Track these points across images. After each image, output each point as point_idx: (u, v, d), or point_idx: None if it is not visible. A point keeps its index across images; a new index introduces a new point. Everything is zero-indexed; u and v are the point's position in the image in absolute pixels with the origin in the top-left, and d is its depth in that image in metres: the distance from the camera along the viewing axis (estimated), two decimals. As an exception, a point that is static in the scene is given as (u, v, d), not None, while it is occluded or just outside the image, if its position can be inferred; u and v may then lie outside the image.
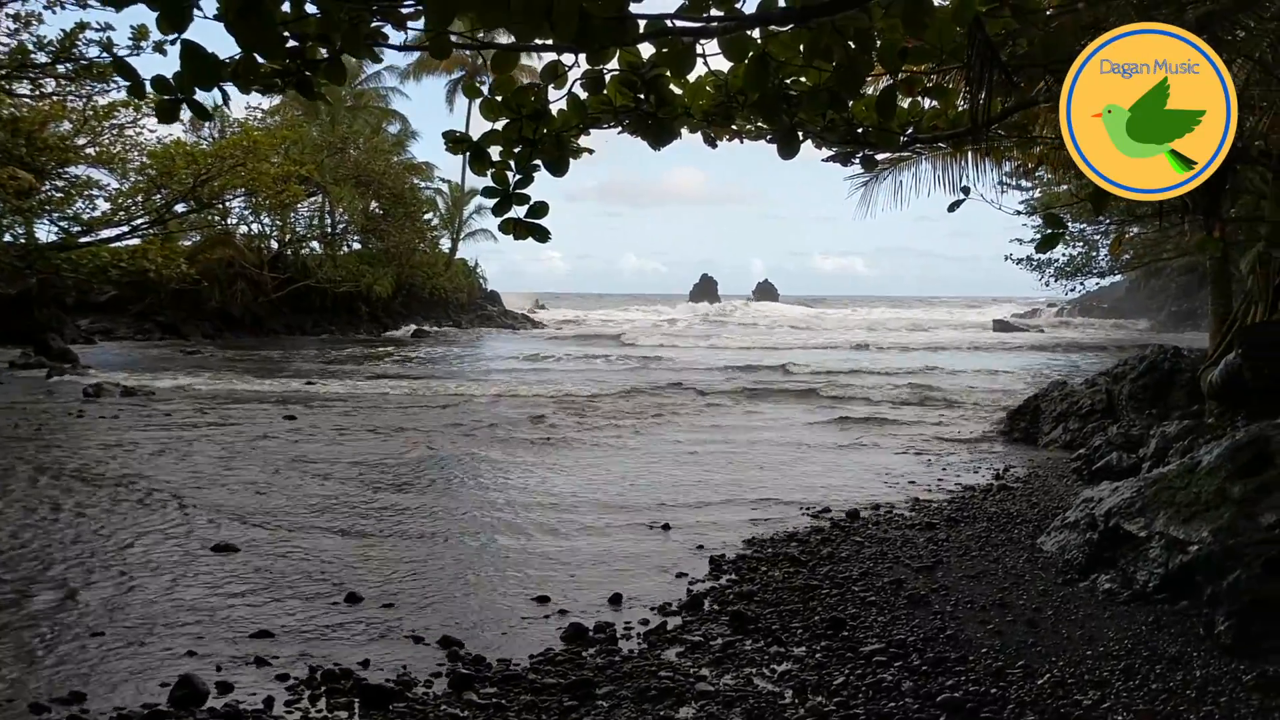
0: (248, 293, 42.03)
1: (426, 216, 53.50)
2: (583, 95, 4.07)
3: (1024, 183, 26.59)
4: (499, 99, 4.06)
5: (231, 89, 3.43)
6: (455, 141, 4.52)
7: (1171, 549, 6.62)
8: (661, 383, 23.05)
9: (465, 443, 14.27)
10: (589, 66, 3.78)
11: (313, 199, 46.48)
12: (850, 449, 14.07)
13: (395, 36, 3.62)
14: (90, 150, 30.14)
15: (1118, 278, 44.23)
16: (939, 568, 7.60)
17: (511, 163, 4.17)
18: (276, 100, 48.86)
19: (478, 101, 4.17)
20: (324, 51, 3.44)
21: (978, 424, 16.30)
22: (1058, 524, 8.25)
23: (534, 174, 4.24)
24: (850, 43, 3.76)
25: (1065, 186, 19.38)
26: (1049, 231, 5.56)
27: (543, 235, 4.32)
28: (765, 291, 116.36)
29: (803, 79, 4.08)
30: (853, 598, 6.86)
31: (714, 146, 5.05)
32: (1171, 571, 6.43)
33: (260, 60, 3.30)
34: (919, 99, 5.47)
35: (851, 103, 4.74)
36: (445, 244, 57.84)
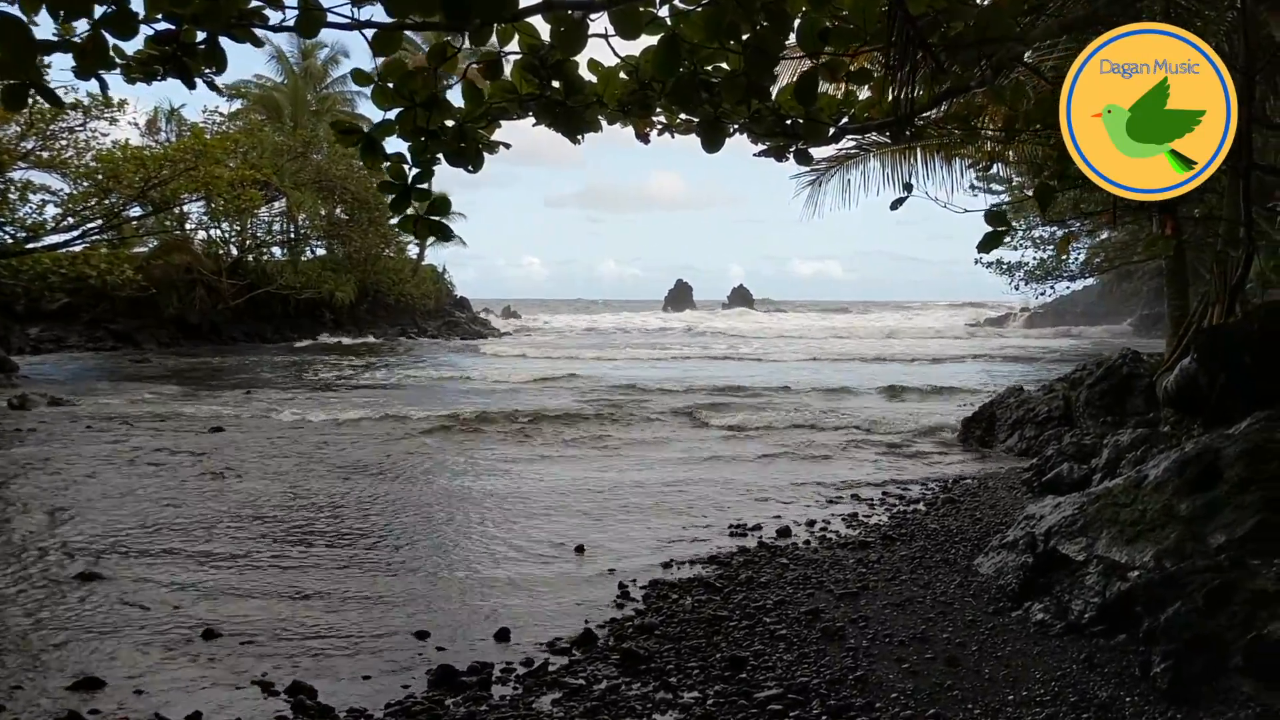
0: (206, 300, 41.09)
1: (392, 221, 52.64)
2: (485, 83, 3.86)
3: (994, 186, 26.19)
4: (390, 86, 3.64)
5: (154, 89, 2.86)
6: (344, 133, 4.09)
7: (1110, 575, 6.01)
8: (593, 395, 22.00)
9: (369, 454, 13.56)
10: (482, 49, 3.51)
11: (274, 204, 45.57)
12: (787, 459, 13.43)
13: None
14: (43, 154, 29.41)
15: (1090, 281, 43.90)
16: (863, 594, 6.96)
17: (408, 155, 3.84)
18: (238, 104, 48.63)
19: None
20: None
21: (931, 434, 15.67)
22: (996, 543, 7.65)
23: (433, 168, 3.89)
24: (764, 22, 3.42)
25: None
26: (991, 230, 4.97)
27: (445, 233, 4.06)
28: (740, 297, 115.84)
29: (723, 64, 3.74)
30: (763, 631, 6.21)
31: (645, 141, 4.63)
32: (1109, 601, 5.82)
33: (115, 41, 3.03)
34: (853, 88, 5.00)
35: (776, 91, 4.33)
36: (413, 250, 57.16)
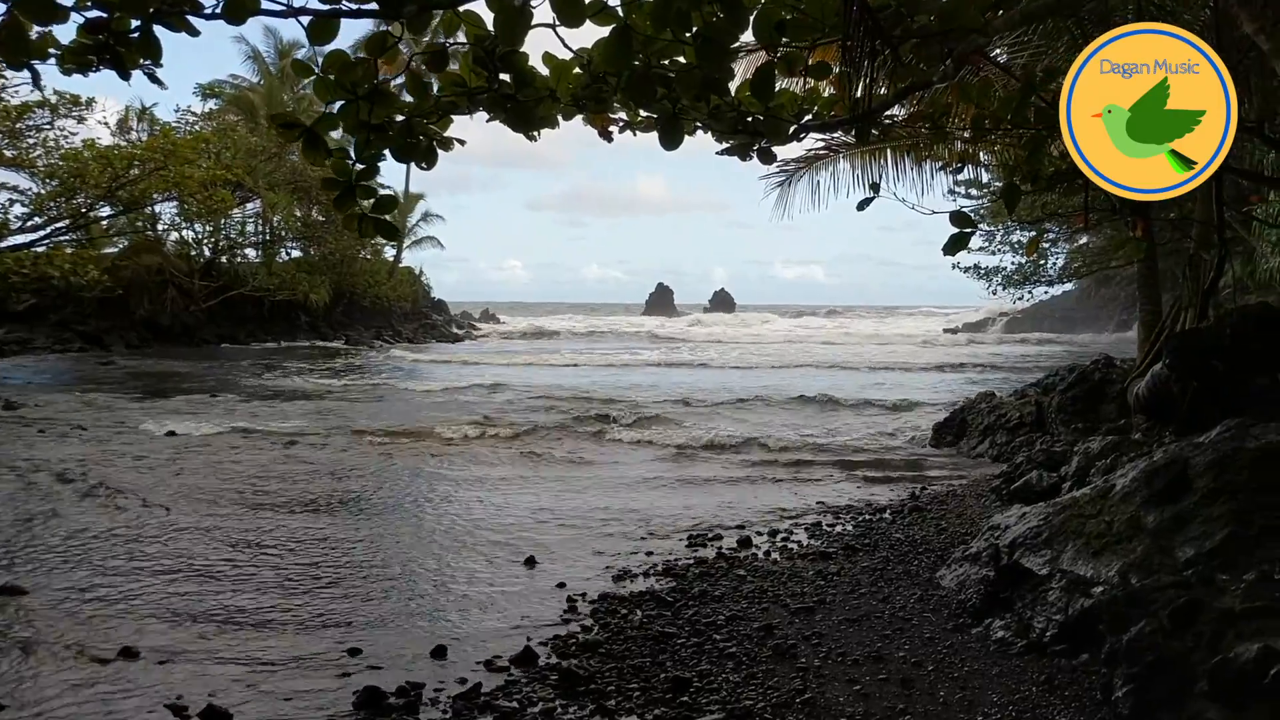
0: (178, 301, 40.56)
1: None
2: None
3: (973, 191, 26.05)
4: (332, 78, 3.43)
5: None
6: (284, 126, 3.81)
7: (1073, 591, 5.76)
8: (561, 403, 21.15)
9: (311, 467, 13.21)
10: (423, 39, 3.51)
11: (248, 205, 45.11)
12: (754, 465, 13.13)
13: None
14: (7, 152, 28.92)
15: (1069, 286, 43.92)
16: (820, 609, 6.68)
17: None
18: (213, 104, 48.12)
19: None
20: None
21: (901, 440, 15.41)
22: (960, 555, 7.39)
23: (379, 164, 3.71)
24: (719, 12, 3.28)
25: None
26: (957, 231, 4.70)
27: (390, 232, 3.84)
28: (722, 301, 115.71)
29: (680, 58, 3.52)
30: (711, 649, 5.92)
31: (608, 139, 4.42)
32: (1071, 619, 5.56)
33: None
34: (817, 84, 4.75)
35: (736, 86, 4.08)
36: (390, 252, 56.82)
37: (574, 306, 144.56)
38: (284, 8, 3.27)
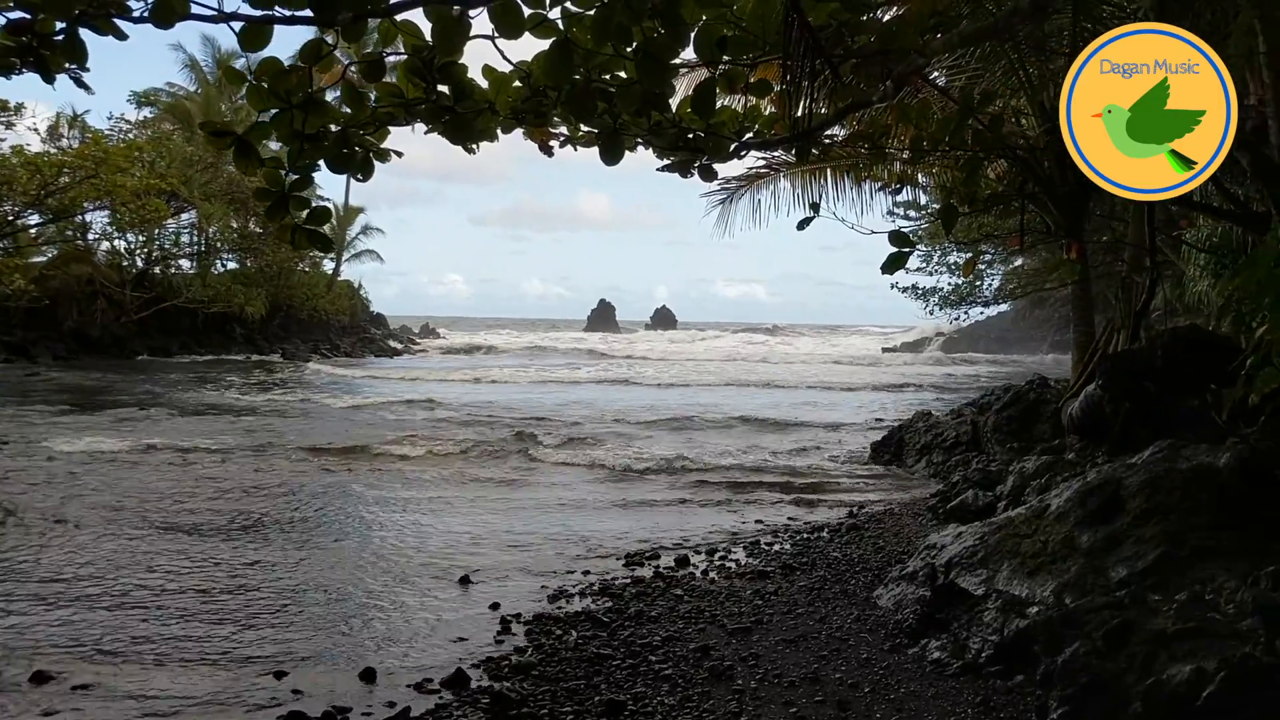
0: (108, 312, 39.63)
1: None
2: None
3: (911, 213, 26.36)
4: (265, 85, 3.34)
5: None
6: (215, 134, 3.68)
7: (1009, 612, 5.76)
8: (498, 420, 20.67)
9: (234, 484, 12.93)
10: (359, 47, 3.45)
11: (182, 215, 44.31)
12: (694, 484, 13.05)
13: None
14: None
15: (1004, 307, 44.61)
16: (757, 629, 6.61)
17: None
18: (147, 112, 47.25)
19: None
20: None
21: (839, 459, 15.45)
22: (896, 574, 7.38)
23: (312, 175, 3.62)
24: (659, 27, 3.21)
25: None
26: (895, 251, 4.68)
27: (324, 244, 3.75)
28: (663, 318, 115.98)
29: (621, 73, 3.52)
30: (647, 670, 5.82)
31: (548, 154, 4.36)
32: (1007, 639, 5.55)
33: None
34: (757, 102, 4.72)
35: (677, 102, 4.03)
36: (329, 265, 56.13)
37: (515, 322, 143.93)
38: (214, 12, 3.17)
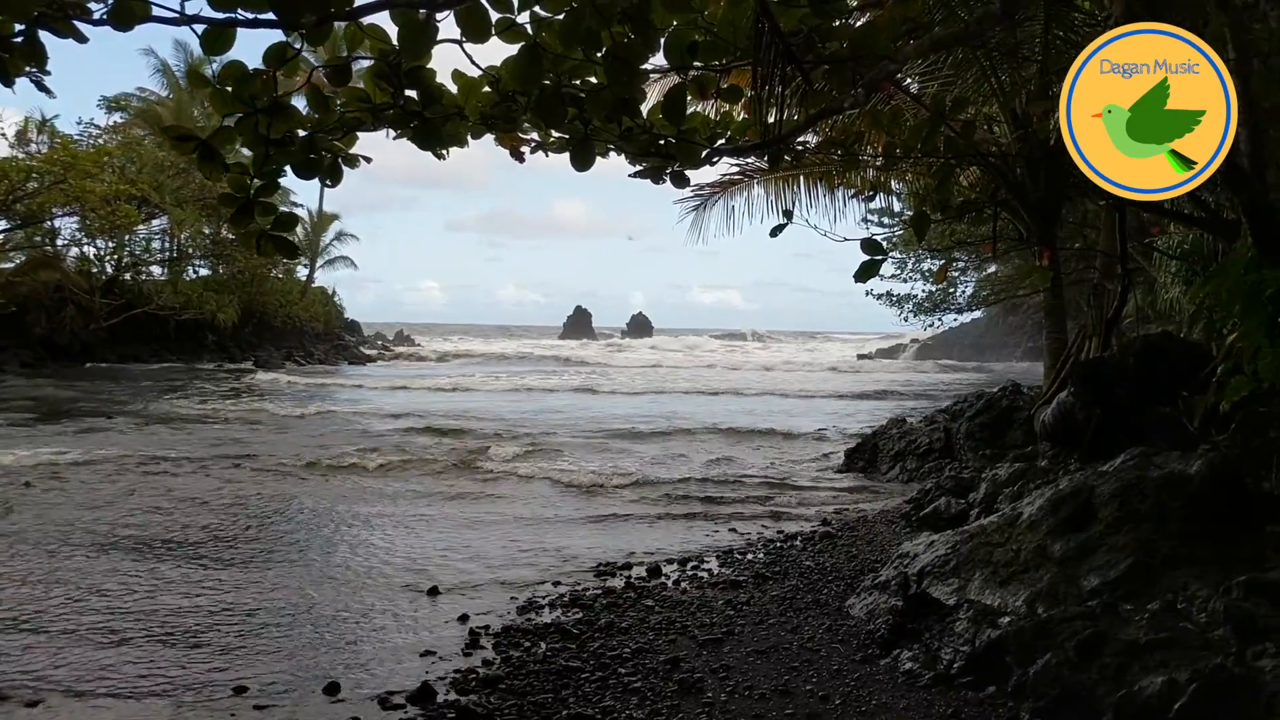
0: (77, 320, 39.18)
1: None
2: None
3: (885, 220, 26.45)
4: (229, 90, 3.31)
5: None
6: (179, 139, 3.66)
7: (980, 622, 5.70)
8: (468, 430, 20.24)
9: (193, 492, 12.76)
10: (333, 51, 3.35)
11: (153, 222, 43.94)
12: (665, 493, 12.92)
13: None
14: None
15: (978, 314, 44.85)
16: (728, 640, 6.54)
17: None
18: (118, 117, 46.81)
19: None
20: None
21: (813, 466, 15.41)
22: (869, 583, 7.33)
23: (279, 181, 3.62)
24: (629, 32, 3.22)
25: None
26: (868, 259, 4.64)
27: (290, 250, 3.75)
28: (639, 325, 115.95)
29: (591, 79, 3.49)
30: (616, 683, 5.74)
31: (520, 160, 4.37)
32: (979, 650, 5.49)
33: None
34: (729, 108, 4.70)
35: (648, 108, 3.98)
36: (303, 271, 55.89)
37: (491, 329, 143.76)
38: (176, 14, 3.10)
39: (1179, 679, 4.24)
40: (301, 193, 63.82)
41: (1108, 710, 4.35)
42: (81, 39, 3.12)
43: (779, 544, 9.72)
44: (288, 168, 3.67)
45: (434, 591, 7.89)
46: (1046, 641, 5.00)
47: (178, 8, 3.01)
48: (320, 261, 57.44)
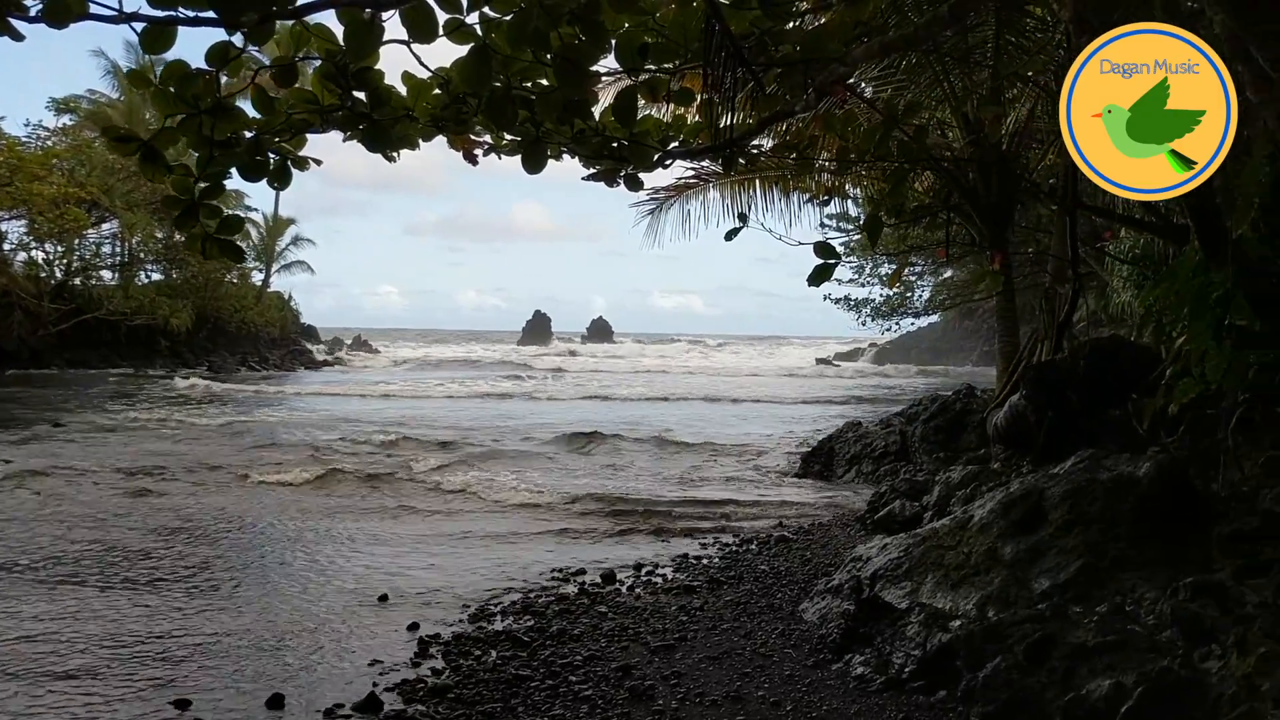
0: (25, 325, 38.48)
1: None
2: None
3: (843, 224, 26.56)
4: (171, 90, 3.24)
5: None
6: (118, 140, 3.55)
7: (932, 625, 5.69)
8: (424, 435, 20.13)
9: (129, 501, 12.53)
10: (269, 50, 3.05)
11: (103, 225, 43.27)
12: (623, 496, 12.84)
13: None
14: None
15: (934, 318, 45.20)
16: (681, 646, 6.48)
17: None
18: (68, 119, 46.04)
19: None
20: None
21: (769, 469, 15.40)
22: (822, 587, 7.30)
23: (224, 182, 3.55)
24: (580, 34, 3.18)
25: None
26: (821, 263, 4.61)
27: (235, 254, 3.74)
28: (599, 330, 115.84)
29: (543, 80, 3.46)
30: (566, 691, 5.67)
31: (473, 163, 4.33)
32: (930, 654, 5.48)
33: None
34: (682, 111, 4.66)
35: (601, 111, 3.93)
36: (258, 276, 55.37)
37: (451, 334, 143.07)
38: (114, 12, 3.01)
39: (1126, 682, 4.24)
40: (257, 197, 63.08)
41: (1056, 714, 4.34)
42: (17, 36, 3.02)
43: (734, 548, 9.69)
44: (234, 170, 3.61)
45: (384, 598, 7.78)
46: (996, 645, 4.99)
47: (116, 6, 2.93)
48: (276, 266, 56.99)
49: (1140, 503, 6.08)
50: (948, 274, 30.71)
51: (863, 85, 10.83)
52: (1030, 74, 10.83)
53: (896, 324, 32.63)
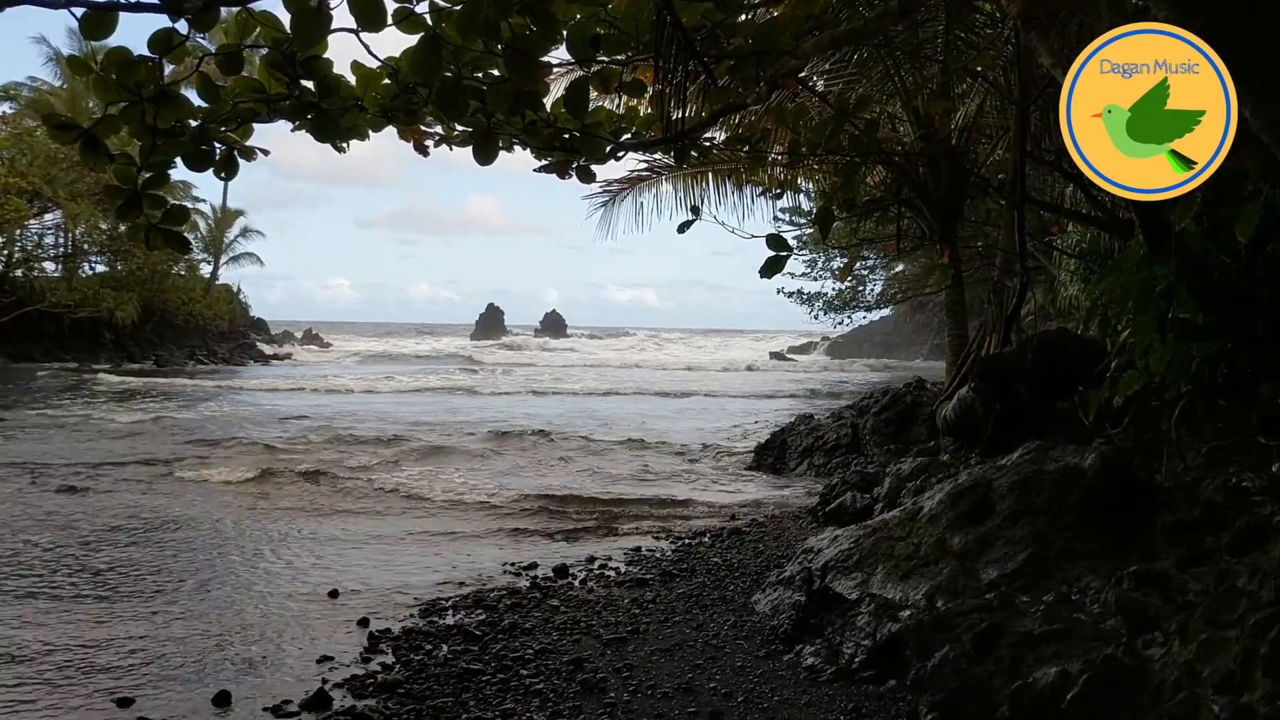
0: (-36, 317, 37.70)
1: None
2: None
3: (797, 218, 26.69)
4: (112, 77, 3.14)
5: None
6: (58, 128, 3.42)
7: (881, 615, 5.73)
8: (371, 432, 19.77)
9: (77, 502, 12.32)
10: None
11: (47, 216, 42.44)
12: (574, 490, 12.85)
13: None
14: None
15: (886, 311, 45.59)
16: (633, 639, 6.48)
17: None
18: (8, 107, 45.08)
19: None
20: None
21: (722, 462, 15.45)
22: (774, 579, 7.34)
23: (168, 172, 3.43)
24: (530, 25, 3.16)
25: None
26: (773, 255, 4.60)
27: (182, 245, 3.54)
28: (553, 323, 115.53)
29: (493, 70, 3.42)
30: (518, 685, 5.64)
31: (424, 154, 4.22)
32: (879, 644, 5.52)
33: None
34: (638, 103, 4.63)
35: (552, 102, 3.90)
36: (207, 268, 54.63)
37: (403, 327, 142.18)
38: None
39: (1071, 670, 4.30)
40: (205, 188, 62.26)
41: (1003, 702, 4.39)
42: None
43: (687, 541, 9.70)
44: (179, 160, 3.54)
45: (334, 594, 7.70)
46: (945, 634, 5.04)
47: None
48: (225, 258, 56.26)
49: (1086, 494, 6.18)
50: (899, 268, 30.99)
51: (815, 79, 10.88)
52: (979, 69, 10.94)
53: (849, 318, 32.84)
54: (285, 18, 3.11)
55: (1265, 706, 3.65)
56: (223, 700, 5.54)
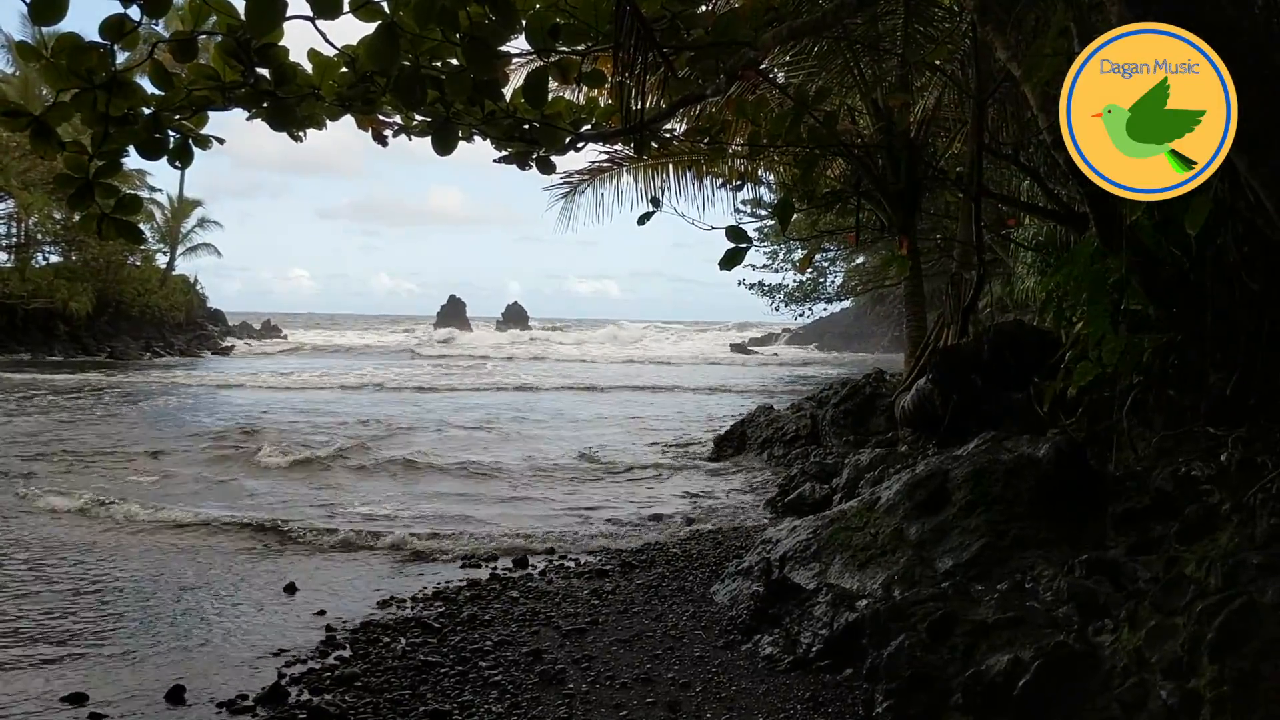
0: (-86, 309, 36.98)
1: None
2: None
3: (759, 210, 26.75)
4: (63, 63, 3.10)
5: None
6: (7, 115, 3.39)
7: (839, 605, 5.77)
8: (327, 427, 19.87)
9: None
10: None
11: (0, 205, 41.70)
12: (532, 482, 12.86)
13: None
14: None
15: (847, 303, 45.83)
16: (592, 630, 6.48)
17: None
18: (-42, 93, 44.17)
19: None
20: None
21: (681, 454, 15.48)
22: (733, 569, 7.37)
23: (121, 161, 3.42)
24: (490, 13, 3.15)
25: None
26: (732, 246, 4.60)
27: (134, 235, 3.64)
28: (515, 315, 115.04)
29: (451, 60, 3.41)
30: (476, 677, 5.62)
31: (382, 144, 4.23)
32: (836, 633, 5.56)
33: None
34: (597, 94, 4.62)
35: (512, 92, 3.87)
36: (163, 259, 53.90)
37: (364, 318, 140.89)
38: None
39: (1023, 657, 4.35)
40: (162, 178, 61.38)
41: (957, 689, 4.44)
42: None
43: (646, 532, 9.71)
44: (132, 148, 3.49)
45: (291, 588, 7.64)
46: (900, 623, 5.08)
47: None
48: (181, 249, 55.55)
49: (1040, 483, 6.26)
50: (859, 260, 31.16)
51: (774, 71, 10.90)
52: (938, 63, 11.01)
53: (809, 309, 33.02)
54: (240, 4, 3.09)
55: (1211, 691, 3.71)
56: (176, 695, 5.46)
